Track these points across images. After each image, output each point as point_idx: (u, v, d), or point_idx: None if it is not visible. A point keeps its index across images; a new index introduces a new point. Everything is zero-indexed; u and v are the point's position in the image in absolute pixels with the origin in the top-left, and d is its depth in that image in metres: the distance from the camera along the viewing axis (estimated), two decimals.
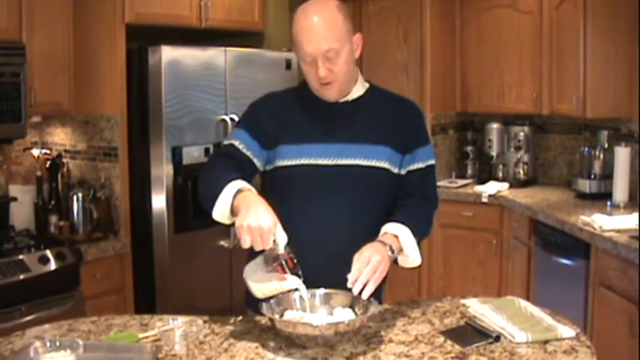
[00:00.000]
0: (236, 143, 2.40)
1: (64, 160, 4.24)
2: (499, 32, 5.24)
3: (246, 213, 2.08)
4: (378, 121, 2.42)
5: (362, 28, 5.43)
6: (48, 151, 4.27)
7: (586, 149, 4.78)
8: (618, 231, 3.66)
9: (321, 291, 2.23)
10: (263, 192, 2.32)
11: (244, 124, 2.46)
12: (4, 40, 3.69)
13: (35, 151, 4.24)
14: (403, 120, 2.45)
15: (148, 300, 4.08)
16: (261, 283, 2.18)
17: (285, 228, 2.14)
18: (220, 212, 2.23)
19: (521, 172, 5.32)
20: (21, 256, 3.55)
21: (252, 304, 2.32)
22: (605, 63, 4.46)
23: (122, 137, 4.04)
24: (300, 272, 2.15)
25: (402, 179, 2.44)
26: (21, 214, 4.04)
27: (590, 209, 4.21)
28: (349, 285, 2.15)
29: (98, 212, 4.05)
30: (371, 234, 2.34)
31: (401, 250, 2.31)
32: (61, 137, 4.33)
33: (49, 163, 4.16)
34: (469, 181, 5.47)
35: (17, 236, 3.87)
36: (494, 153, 5.44)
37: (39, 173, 4.13)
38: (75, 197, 4.00)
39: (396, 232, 2.31)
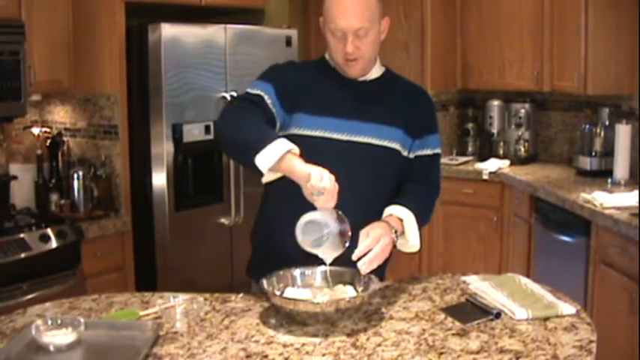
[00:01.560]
0: (265, 97, 2.35)
1: (65, 139, 4.23)
2: (500, 8, 5.21)
3: (318, 171, 2.09)
4: (393, 104, 2.46)
5: None
6: (48, 130, 4.27)
7: (587, 126, 4.77)
8: (619, 208, 3.66)
9: (322, 268, 2.24)
10: None
11: (271, 79, 2.41)
12: (3, 18, 3.67)
13: (35, 130, 4.23)
14: (417, 107, 2.50)
15: (148, 278, 4.09)
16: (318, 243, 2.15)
17: (293, 197, 2.15)
18: (265, 159, 2.15)
19: (522, 149, 5.31)
20: (22, 235, 3.55)
21: (255, 273, 2.35)
22: (606, 40, 4.44)
23: (122, 115, 4.03)
24: None
25: (409, 163, 2.47)
26: (21, 193, 4.04)
27: (591, 186, 4.21)
28: (354, 258, 2.16)
29: (99, 190, 4.05)
30: (374, 212, 2.36)
31: (402, 233, 2.34)
32: (61, 115, 4.32)
33: (49, 141, 4.15)
34: (470, 158, 5.47)
35: (18, 215, 3.87)
36: (494, 130, 5.43)
37: (39, 152, 4.12)
38: (75, 175, 3.99)
39: (401, 215, 2.34)
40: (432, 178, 2.56)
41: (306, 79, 2.45)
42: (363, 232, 2.21)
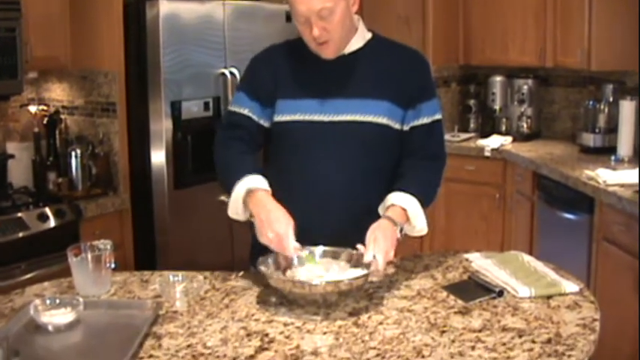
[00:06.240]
0: (240, 110, 2.39)
1: (62, 117, 4.19)
2: None
3: (263, 222, 2.14)
4: (377, 74, 2.35)
5: None
6: (45, 108, 4.22)
7: (590, 103, 4.74)
8: (622, 185, 3.64)
9: (320, 248, 2.22)
10: (266, 146, 2.38)
11: (244, 85, 2.46)
12: None
13: (32, 108, 4.20)
14: (406, 72, 2.36)
15: (148, 256, 4.07)
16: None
17: (283, 182, 2.23)
18: (234, 212, 2.29)
19: (525, 125, 5.27)
20: (19, 214, 3.53)
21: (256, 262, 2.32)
22: (611, 15, 4.39)
23: (120, 92, 3.99)
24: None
25: (405, 136, 2.36)
26: (19, 172, 4.01)
27: (595, 163, 4.18)
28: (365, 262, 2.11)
29: (97, 168, 4.02)
30: (369, 191, 2.31)
31: (407, 221, 2.26)
32: (58, 93, 4.29)
33: (46, 119, 4.12)
34: (472, 134, 5.43)
35: (15, 194, 3.84)
36: (497, 106, 5.39)
37: (36, 130, 4.09)
38: (73, 154, 3.96)
39: (404, 204, 2.24)
40: (434, 149, 2.42)
41: (283, 63, 2.39)
42: (370, 237, 2.12)
